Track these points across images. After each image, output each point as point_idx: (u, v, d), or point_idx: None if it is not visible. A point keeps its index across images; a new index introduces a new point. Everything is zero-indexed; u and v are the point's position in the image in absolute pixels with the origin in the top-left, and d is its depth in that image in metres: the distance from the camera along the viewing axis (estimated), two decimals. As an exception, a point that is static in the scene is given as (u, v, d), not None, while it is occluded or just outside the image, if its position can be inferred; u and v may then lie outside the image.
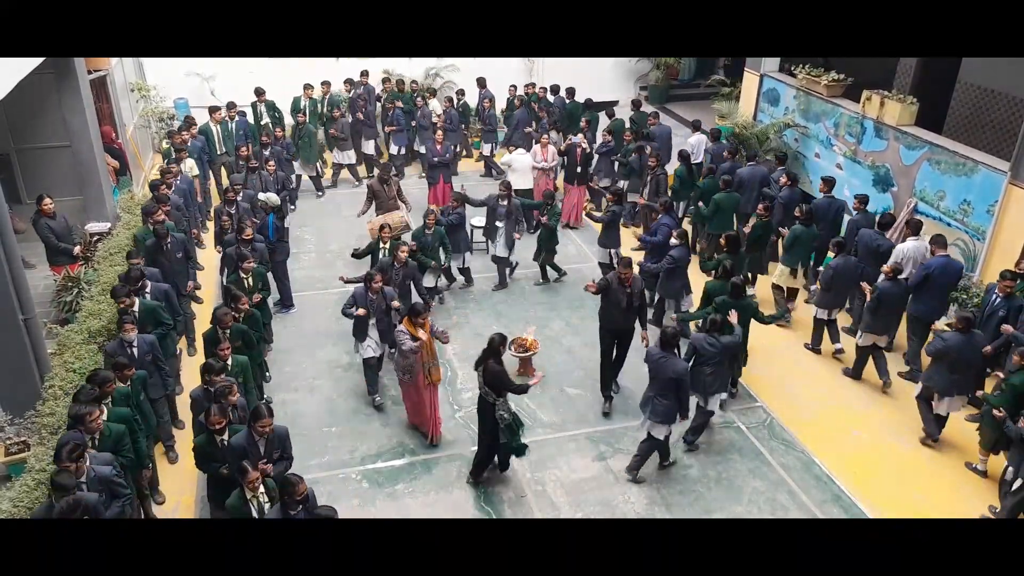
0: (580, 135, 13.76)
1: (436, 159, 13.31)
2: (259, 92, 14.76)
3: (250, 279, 8.98)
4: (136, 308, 7.88)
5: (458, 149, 15.69)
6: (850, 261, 9.56)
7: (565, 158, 13.47)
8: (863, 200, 10.79)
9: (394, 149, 15.31)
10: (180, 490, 7.76)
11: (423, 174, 15.13)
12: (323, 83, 15.29)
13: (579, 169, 13.36)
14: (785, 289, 10.72)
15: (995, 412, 7.41)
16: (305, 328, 10.56)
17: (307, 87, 14.94)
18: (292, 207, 13.64)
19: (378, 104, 15.90)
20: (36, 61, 8.78)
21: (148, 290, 8.31)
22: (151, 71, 16.29)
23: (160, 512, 7.51)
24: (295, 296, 11.11)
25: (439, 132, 13.59)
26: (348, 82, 15.64)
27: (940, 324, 9.25)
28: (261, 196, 11.21)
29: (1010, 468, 7.26)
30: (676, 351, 7.69)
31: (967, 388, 8.31)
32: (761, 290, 11.29)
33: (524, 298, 11.40)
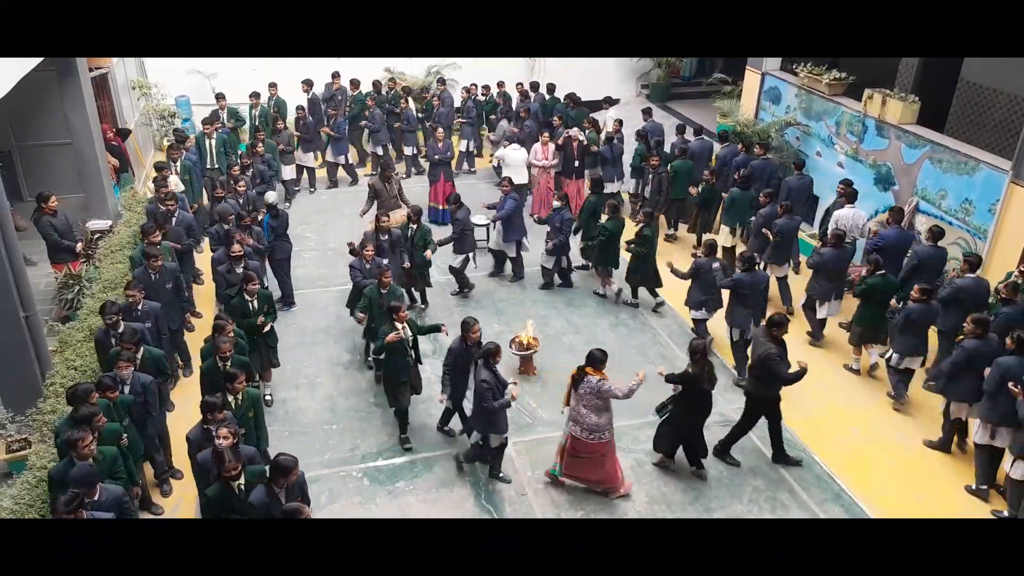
0: (575, 129, 13.77)
1: (437, 156, 13.30)
2: (219, 97, 14.33)
3: (255, 301, 8.52)
4: (141, 353, 7.32)
5: (416, 149, 15.57)
6: (795, 220, 10.77)
7: (562, 152, 13.51)
8: (800, 165, 12.01)
9: (331, 157, 14.88)
10: (180, 490, 7.77)
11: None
12: (270, 85, 14.78)
13: (576, 163, 13.41)
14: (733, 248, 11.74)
15: (1011, 387, 7.08)
16: (306, 326, 10.57)
17: (253, 95, 14.40)
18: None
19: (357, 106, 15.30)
20: (37, 59, 8.78)
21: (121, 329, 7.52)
22: (152, 69, 16.30)
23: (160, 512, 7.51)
24: (297, 294, 11.12)
25: (439, 130, 13.59)
26: (306, 83, 15.10)
27: (809, 237, 11.05)
28: (269, 195, 11.21)
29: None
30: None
31: (840, 294, 10.08)
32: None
33: (524, 296, 11.41)
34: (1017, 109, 12.69)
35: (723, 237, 11.68)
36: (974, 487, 7.76)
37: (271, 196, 11.13)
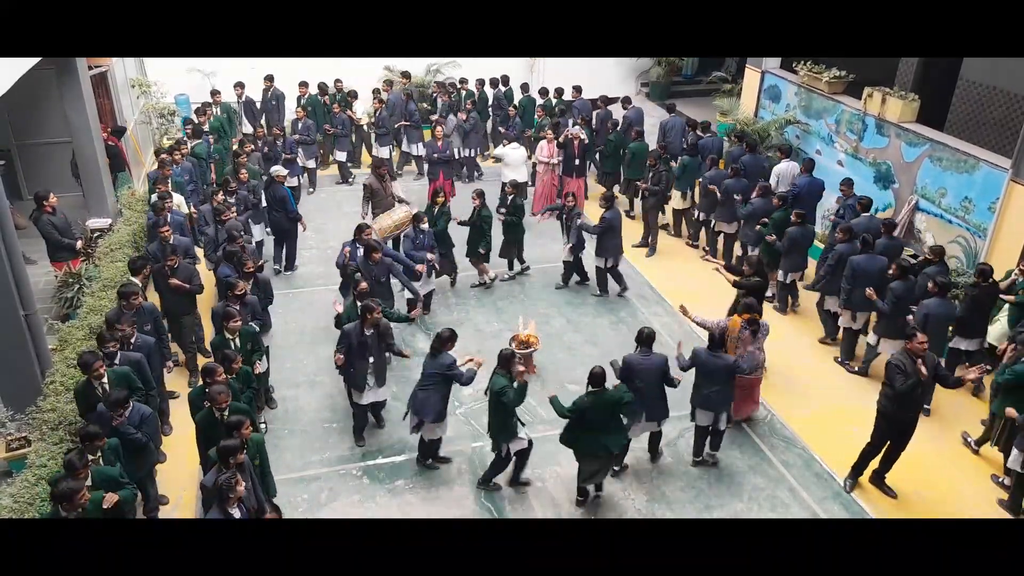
0: (578, 127, 13.77)
1: (436, 155, 13.29)
2: (198, 111, 13.46)
3: (237, 340, 7.73)
4: (105, 380, 6.87)
5: (350, 156, 15.08)
6: (741, 182, 11.70)
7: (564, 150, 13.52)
8: (739, 136, 13.31)
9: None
10: (180, 489, 7.76)
11: (310, 190, 14.61)
12: (212, 93, 14.14)
13: (577, 161, 13.42)
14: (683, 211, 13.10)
15: (868, 293, 9.06)
16: (306, 324, 10.57)
17: (209, 106, 13.81)
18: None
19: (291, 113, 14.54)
20: (36, 58, 8.77)
21: (117, 360, 7.18)
22: (152, 67, 16.28)
23: (160, 511, 7.47)
24: (296, 292, 11.15)
25: (439, 128, 13.56)
26: (239, 86, 14.58)
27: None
28: (273, 169, 11.56)
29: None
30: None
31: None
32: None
33: (525, 295, 11.40)
34: (1017, 107, 12.69)
35: (675, 200, 12.94)
36: (840, 359, 9.87)
37: (280, 169, 11.56)
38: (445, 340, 7.53)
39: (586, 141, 13.49)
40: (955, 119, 13.67)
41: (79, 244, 9.86)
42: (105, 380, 6.90)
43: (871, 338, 9.40)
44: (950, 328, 8.82)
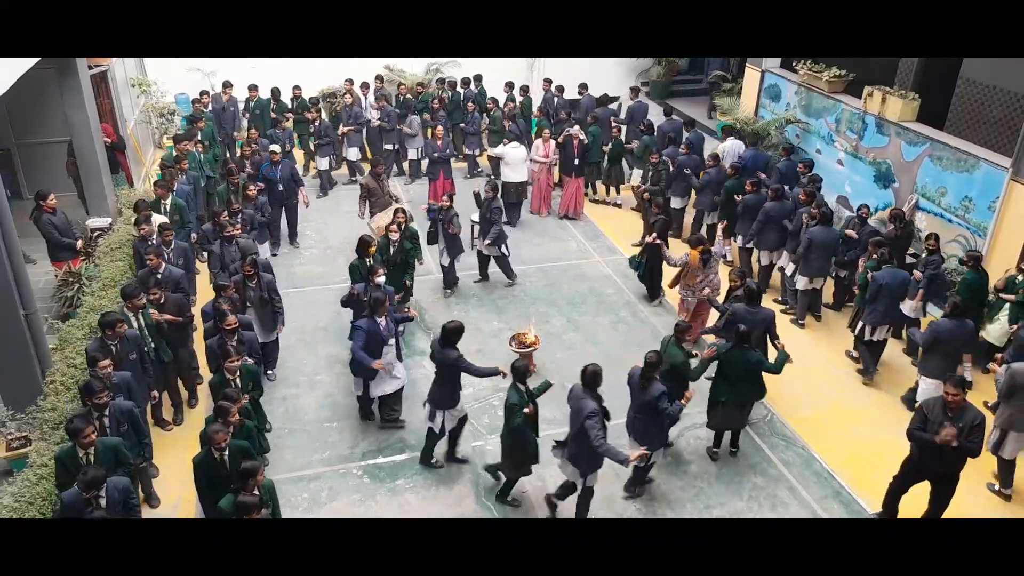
0: (576, 127, 13.78)
1: (436, 155, 13.29)
2: (192, 119, 13.24)
3: (237, 379, 7.33)
4: (91, 451, 6.15)
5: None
6: (693, 160, 12.75)
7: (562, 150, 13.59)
8: (668, 111, 15.03)
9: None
10: (180, 490, 7.75)
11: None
12: (193, 102, 13.91)
13: (576, 161, 13.44)
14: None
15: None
16: (306, 323, 10.56)
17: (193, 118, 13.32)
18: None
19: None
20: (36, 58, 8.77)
21: (107, 412, 6.53)
22: (152, 66, 16.28)
23: (160, 512, 7.49)
24: (297, 291, 11.17)
25: (439, 128, 13.55)
26: (204, 95, 14.30)
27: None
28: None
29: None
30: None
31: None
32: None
33: (525, 294, 11.40)
34: (1017, 106, 12.66)
35: (637, 180, 14.01)
36: (788, 309, 10.87)
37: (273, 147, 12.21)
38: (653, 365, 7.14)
39: (586, 141, 13.50)
40: (955, 118, 13.64)
41: (79, 244, 9.86)
42: (91, 451, 6.14)
43: (789, 268, 10.74)
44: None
